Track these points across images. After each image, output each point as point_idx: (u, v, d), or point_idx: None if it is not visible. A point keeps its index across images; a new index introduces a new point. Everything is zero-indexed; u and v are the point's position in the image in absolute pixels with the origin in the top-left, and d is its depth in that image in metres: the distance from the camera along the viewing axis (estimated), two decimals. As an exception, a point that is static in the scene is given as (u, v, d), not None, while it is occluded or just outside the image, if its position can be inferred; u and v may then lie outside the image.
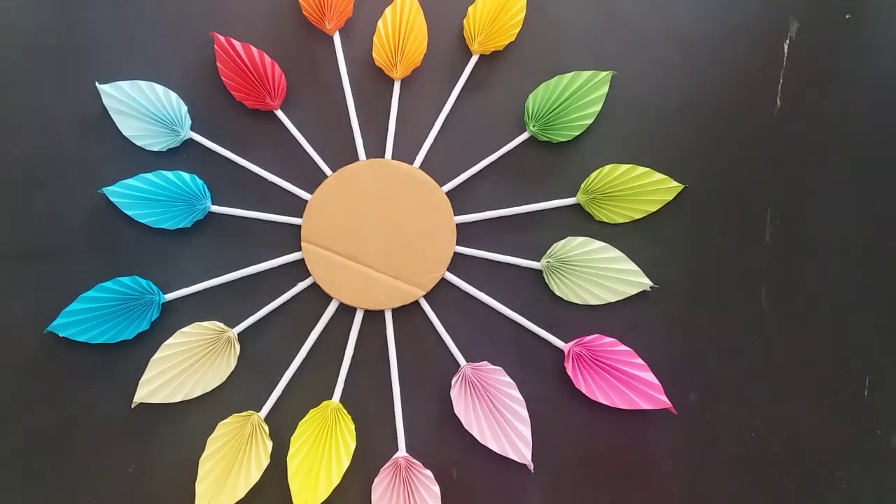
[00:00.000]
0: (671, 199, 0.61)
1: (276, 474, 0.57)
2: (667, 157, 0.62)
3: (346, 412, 0.58)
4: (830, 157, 0.63)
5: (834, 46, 0.64)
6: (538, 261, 0.60)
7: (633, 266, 0.60)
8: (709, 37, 0.64)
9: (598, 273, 0.60)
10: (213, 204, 0.61)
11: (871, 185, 0.62)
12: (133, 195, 0.60)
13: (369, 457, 0.58)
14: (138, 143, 0.61)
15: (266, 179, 0.62)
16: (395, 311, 0.60)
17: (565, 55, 0.63)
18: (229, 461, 0.57)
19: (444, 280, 0.61)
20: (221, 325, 0.59)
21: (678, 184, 0.61)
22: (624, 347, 0.58)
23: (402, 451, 0.58)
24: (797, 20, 0.63)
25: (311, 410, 0.58)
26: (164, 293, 0.60)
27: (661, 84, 0.63)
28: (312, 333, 0.60)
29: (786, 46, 0.63)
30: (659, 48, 0.64)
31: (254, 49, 0.61)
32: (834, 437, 0.60)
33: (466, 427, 0.57)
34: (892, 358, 0.60)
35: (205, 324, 0.59)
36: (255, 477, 0.57)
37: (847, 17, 0.64)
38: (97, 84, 0.61)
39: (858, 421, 0.60)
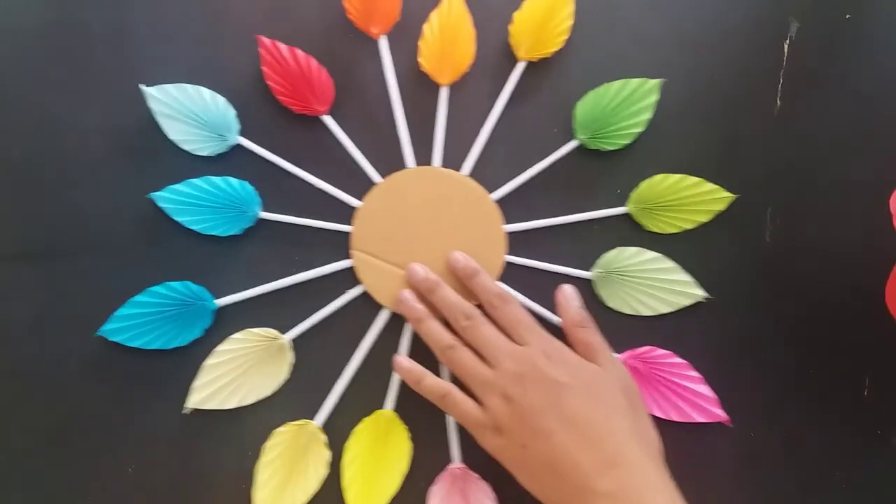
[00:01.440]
0: (724, 209, 0.61)
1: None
2: (666, 157, 0.62)
3: (400, 421, 0.58)
4: (831, 157, 0.63)
5: (834, 46, 0.64)
6: (589, 270, 0.60)
7: (687, 277, 0.60)
8: (709, 37, 0.64)
9: (651, 284, 0.60)
10: (261, 210, 0.61)
11: (872, 185, 0.61)
12: (182, 200, 0.59)
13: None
14: (185, 147, 0.61)
15: (314, 186, 0.61)
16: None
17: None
18: (287, 470, 0.57)
19: (494, 289, 0.60)
20: (275, 331, 0.59)
21: (729, 193, 0.61)
22: (679, 360, 0.58)
23: (456, 462, 0.58)
24: (797, 20, 0.63)
25: (364, 419, 0.58)
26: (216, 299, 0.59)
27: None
28: (364, 342, 0.60)
29: (786, 46, 0.63)
30: (659, 48, 0.64)
31: (300, 53, 0.61)
32: (834, 437, 0.60)
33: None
34: (892, 358, 0.60)
35: (257, 330, 0.59)
36: (313, 486, 0.57)
37: (847, 17, 0.64)
38: (142, 87, 0.60)
39: (858, 421, 0.60)
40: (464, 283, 0.58)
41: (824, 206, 0.62)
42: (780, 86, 0.63)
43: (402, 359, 0.56)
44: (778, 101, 0.63)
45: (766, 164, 0.62)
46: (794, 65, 0.63)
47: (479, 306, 0.56)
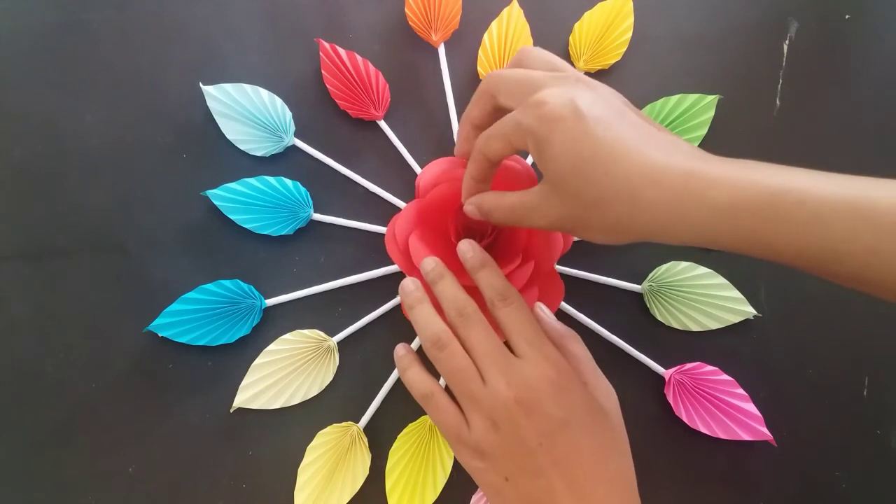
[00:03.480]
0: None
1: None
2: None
3: (444, 427, 0.58)
4: (830, 158, 0.61)
5: (834, 46, 0.64)
6: (639, 284, 0.60)
7: (737, 294, 0.59)
8: (709, 37, 0.64)
9: (701, 299, 0.59)
10: (314, 212, 0.61)
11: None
12: (236, 199, 0.60)
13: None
14: (241, 146, 0.62)
15: (367, 189, 0.62)
16: (493, 328, 0.60)
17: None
18: (329, 471, 0.57)
19: (543, 299, 0.60)
20: (322, 333, 0.59)
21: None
22: (726, 377, 0.58)
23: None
24: (797, 20, 0.64)
25: (409, 424, 0.58)
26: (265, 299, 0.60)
27: (661, 84, 0.63)
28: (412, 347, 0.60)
29: (785, 46, 0.64)
30: (659, 48, 0.64)
31: (359, 57, 0.61)
32: (834, 437, 0.59)
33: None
34: (892, 358, 0.60)
35: (306, 331, 0.59)
36: (354, 488, 0.57)
37: (847, 17, 0.64)
38: (201, 85, 0.61)
39: (858, 421, 0.60)
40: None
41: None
42: (779, 86, 0.63)
43: (402, 345, 0.49)
44: (778, 101, 0.63)
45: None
46: (793, 65, 0.64)
47: None
